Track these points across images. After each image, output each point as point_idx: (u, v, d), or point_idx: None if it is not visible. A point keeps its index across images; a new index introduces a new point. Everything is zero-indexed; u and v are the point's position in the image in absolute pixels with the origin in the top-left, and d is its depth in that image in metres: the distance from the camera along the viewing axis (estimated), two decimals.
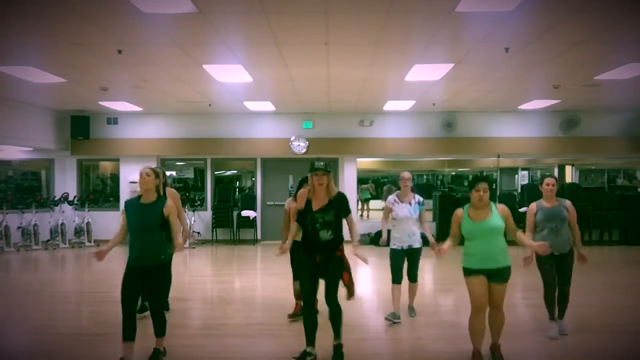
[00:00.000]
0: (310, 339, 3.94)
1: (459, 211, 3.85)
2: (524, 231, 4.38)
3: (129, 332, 3.74)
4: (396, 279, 5.12)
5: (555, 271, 4.48)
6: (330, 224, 3.89)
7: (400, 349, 4.37)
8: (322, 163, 3.93)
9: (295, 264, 5.17)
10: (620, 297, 5.86)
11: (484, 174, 13.40)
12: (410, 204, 5.06)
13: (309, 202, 3.94)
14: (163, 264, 3.89)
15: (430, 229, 5.19)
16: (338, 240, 3.96)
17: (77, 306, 5.94)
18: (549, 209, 4.51)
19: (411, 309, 5.24)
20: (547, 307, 4.58)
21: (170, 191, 4.94)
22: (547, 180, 4.61)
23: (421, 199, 5.16)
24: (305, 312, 3.98)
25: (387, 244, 5.23)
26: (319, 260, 3.91)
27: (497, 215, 3.75)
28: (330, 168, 3.98)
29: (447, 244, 3.83)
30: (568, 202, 4.60)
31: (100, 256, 3.79)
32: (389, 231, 5.21)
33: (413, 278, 5.18)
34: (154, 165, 10.92)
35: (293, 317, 5.09)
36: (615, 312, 4.81)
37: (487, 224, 3.71)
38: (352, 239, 4.03)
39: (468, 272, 3.78)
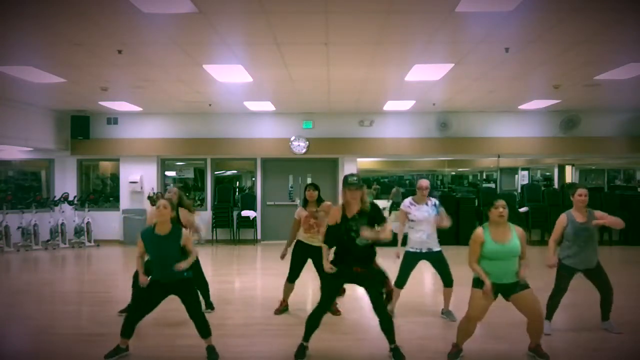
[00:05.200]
0: (309, 336, 4.02)
1: (479, 231, 3.79)
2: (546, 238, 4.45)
3: (127, 333, 3.97)
4: (400, 283, 5.04)
5: (588, 282, 4.63)
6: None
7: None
8: (355, 178, 3.95)
9: (294, 265, 5.23)
10: (620, 297, 5.83)
11: (484, 174, 13.41)
12: (427, 204, 5.05)
13: (343, 215, 3.94)
14: (187, 281, 3.99)
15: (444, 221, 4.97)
16: (373, 250, 3.95)
17: (77, 306, 5.94)
18: (580, 225, 4.48)
19: (449, 313, 5.13)
20: (547, 307, 4.60)
21: (183, 212, 5.05)
22: (580, 190, 4.50)
23: (437, 201, 5.12)
24: (318, 311, 3.99)
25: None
26: (360, 272, 3.88)
27: (517, 237, 3.76)
28: (363, 183, 3.98)
29: (480, 272, 3.77)
30: (598, 213, 4.54)
31: (144, 281, 3.98)
32: (405, 235, 5.18)
33: (449, 283, 5.05)
34: (154, 168, 11.01)
35: (279, 312, 5.32)
36: (616, 312, 4.80)
37: (509, 247, 3.71)
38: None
39: (479, 284, 3.78)
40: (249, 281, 7.51)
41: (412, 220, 5.04)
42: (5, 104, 9.05)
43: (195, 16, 4.61)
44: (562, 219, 4.57)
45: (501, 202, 3.74)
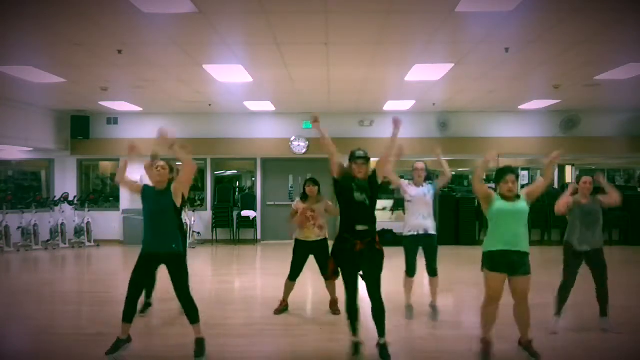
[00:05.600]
0: (355, 329, 3.95)
1: (492, 192, 3.84)
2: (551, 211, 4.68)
3: (129, 315, 3.95)
4: (410, 271, 5.04)
5: (586, 270, 4.68)
6: (365, 188, 3.82)
7: (400, 349, 4.36)
8: (362, 152, 3.91)
9: (295, 263, 5.23)
10: (620, 297, 5.84)
11: (484, 174, 13.39)
12: (423, 186, 5.10)
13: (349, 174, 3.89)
14: (177, 255, 4.00)
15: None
16: (373, 218, 3.87)
17: (77, 306, 5.93)
18: (585, 204, 4.67)
19: (434, 309, 5.11)
20: (557, 301, 4.66)
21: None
22: (585, 178, 4.78)
23: (431, 181, 5.22)
24: (347, 299, 3.94)
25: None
26: (359, 249, 3.79)
27: (524, 200, 3.79)
28: (369, 157, 3.96)
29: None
30: (600, 197, 4.77)
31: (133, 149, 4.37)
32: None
33: (433, 272, 5.04)
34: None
35: (279, 312, 5.28)
36: (616, 312, 4.80)
37: (518, 205, 3.73)
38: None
39: (489, 258, 3.75)
40: (249, 281, 7.51)
41: (408, 201, 5.06)
42: (5, 104, 9.05)
43: (195, 16, 4.61)
44: (569, 197, 4.76)
45: (511, 177, 3.71)
